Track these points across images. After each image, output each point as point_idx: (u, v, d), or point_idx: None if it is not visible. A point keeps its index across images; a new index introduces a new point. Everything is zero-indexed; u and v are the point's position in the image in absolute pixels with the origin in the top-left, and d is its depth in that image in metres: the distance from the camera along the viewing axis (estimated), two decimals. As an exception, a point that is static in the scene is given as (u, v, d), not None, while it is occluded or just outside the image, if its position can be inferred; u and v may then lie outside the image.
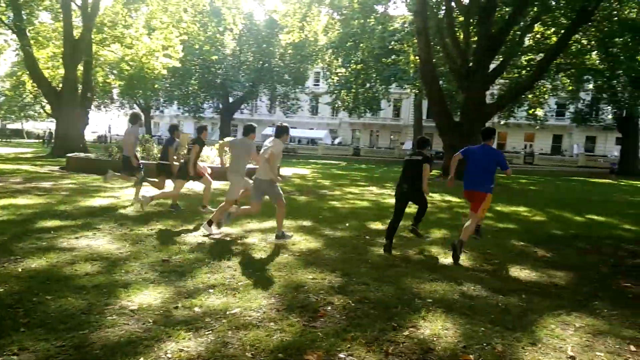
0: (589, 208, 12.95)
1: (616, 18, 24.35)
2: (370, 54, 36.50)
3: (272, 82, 47.27)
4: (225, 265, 5.34)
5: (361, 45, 36.23)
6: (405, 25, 36.22)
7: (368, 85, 41.77)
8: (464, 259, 6.10)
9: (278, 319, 3.85)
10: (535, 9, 22.92)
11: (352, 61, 38.72)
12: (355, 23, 34.90)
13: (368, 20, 31.75)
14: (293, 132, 61.37)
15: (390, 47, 37.10)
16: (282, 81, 47.58)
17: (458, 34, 23.53)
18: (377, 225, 8.40)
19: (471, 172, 6.34)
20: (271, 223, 7.95)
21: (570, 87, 37.11)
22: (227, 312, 3.92)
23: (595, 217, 11.11)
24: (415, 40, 27.12)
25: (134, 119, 9.82)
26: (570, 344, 3.55)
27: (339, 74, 41.86)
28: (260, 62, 46.18)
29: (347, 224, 8.34)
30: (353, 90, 40.70)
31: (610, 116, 42.66)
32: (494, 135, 6.68)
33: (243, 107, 54.23)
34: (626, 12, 26.27)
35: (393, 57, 38.06)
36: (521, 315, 4.13)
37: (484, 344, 3.50)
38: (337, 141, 60.90)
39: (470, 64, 22.38)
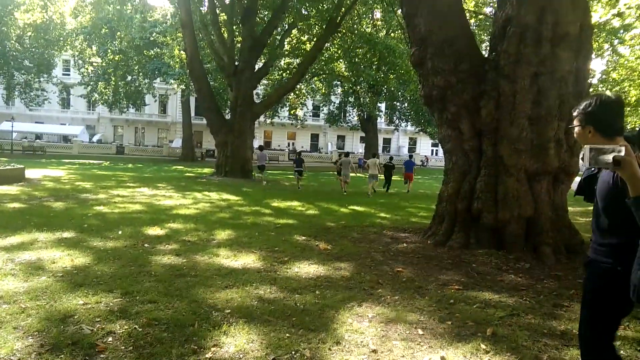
0: (348, 200, 14.41)
1: (357, 31, 27.84)
2: (130, 45, 33.86)
3: (9, 68, 39.56)
4: (-47, 302, 4.00)
5: (119, 33, 33.31)
6: (167, 17, 34.77)
7: (130, 77, 38.77)
8: (255, 259, 5.93)
9: (41, 366, 2.99)
10: (292, 15, 24.45)
11: (110, 50, 35.32)
12: (110, 8, 31.87)
13: (125, 7, 29.29)
14: (39, 128, 52.89)
15: (152, 38, 35.10)
16: (22, 68, 40.20)
17: (223, 31, 23.58)
18: (155, 230, 7.62)
19: (406, 167, 20.19)
20: (18, 238, 6.45)
21: (324, 91, 41.29)
22: (-39, 371, 2.87)
23: (357, 208, 12.39)
24: (180, 34, 26.20)
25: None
26: (369, 336, 3.65)
27: (94, 64, 37.77)
28: (-9, 44, 38.22)
29: (119, 232, 7.33)
30: (112, 83, 37.18)
31: (355, 117, 49.03)
32: (412, 156, 23.23)
33: (-32, 96, 44.11)
34: (364, 27, 30.32)
35: (156, 49, 36.16)
36: (319, 313, 4.12)
37: (293, 352, 3.32)
38: (95, 138, 54.80)
39: (237, 63, 22.68)
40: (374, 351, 3.39)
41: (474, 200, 7.03)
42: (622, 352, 3.48)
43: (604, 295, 2.23)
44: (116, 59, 35.32)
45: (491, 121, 6.99)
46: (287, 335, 3.61)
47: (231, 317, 3.93)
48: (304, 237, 7.66)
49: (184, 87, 38.28)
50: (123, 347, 3.31)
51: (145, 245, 6.57)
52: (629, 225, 1.98)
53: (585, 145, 1.98)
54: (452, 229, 7.22)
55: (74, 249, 6.08)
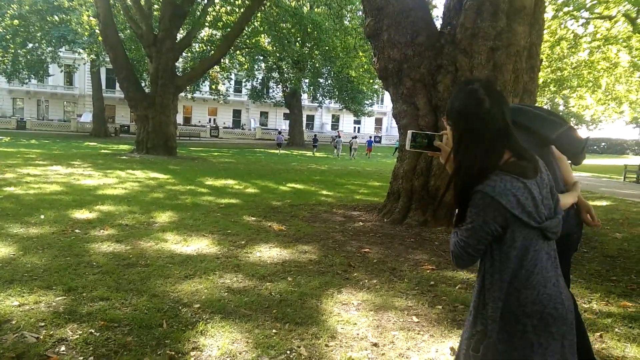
0: (284, 177, 13.99)
1: (280, 5, 26.96)
2: (31, 9, 30.46)
3: None
4: None
5: (18, -4, 29.87)
6: (73, -20, 31.62)
7: (31, 45, 35.01)
8: (209, 244, 5.37)
9: (-26, 392, 2.35)
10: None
11: (8, 15, 31.51)
12: (8, -33, 28.58)
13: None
14: None
15: (57, 2, 31.79)
16: None
17: (139, -4, 21.70)
18: (84, 214, 6.74)
19: (368, 144, 34.61)
20: None
21: (247, 66, 39.95)
22: None
23: (296, 186, 12.00)
24: (89, -1, 23.98)
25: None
26: (364, 327, 3.31)
27: (-11, 29, 33.60)
28: None
29: (41, 216, 6.38)
30: (11, 51, 33.38)
31: (280, 94, 48.13)
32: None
33: None
34: (288, 0, 29.49)
35: (61, 15, 32.87)
36: (300, 303, 3.71)
37: (287, 351, 2.91)
38: (-10, 112, 49.34)
39: (156, 32, 21.08)
40: (375, 345, 3.07)
41: (431, 177, 6.91)
42: (616, 329, 3.45)
43: None
44: (15, 23, 31.60)
45: (448, 96, 6.85)
46: (274, 331, 3.18)
47: (203, 312, 3.42)
48: (253, 218, 7.15)
49: (95, 57, 35.31)
50: (81, 358, 2.72)
51: (76, 230, 5.74)
52: None
53: (408, 131, 1.88)
54: (408, 206, 7.07)
55: (-11, 238, 5.15)
